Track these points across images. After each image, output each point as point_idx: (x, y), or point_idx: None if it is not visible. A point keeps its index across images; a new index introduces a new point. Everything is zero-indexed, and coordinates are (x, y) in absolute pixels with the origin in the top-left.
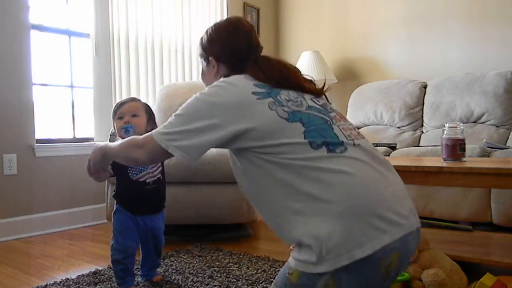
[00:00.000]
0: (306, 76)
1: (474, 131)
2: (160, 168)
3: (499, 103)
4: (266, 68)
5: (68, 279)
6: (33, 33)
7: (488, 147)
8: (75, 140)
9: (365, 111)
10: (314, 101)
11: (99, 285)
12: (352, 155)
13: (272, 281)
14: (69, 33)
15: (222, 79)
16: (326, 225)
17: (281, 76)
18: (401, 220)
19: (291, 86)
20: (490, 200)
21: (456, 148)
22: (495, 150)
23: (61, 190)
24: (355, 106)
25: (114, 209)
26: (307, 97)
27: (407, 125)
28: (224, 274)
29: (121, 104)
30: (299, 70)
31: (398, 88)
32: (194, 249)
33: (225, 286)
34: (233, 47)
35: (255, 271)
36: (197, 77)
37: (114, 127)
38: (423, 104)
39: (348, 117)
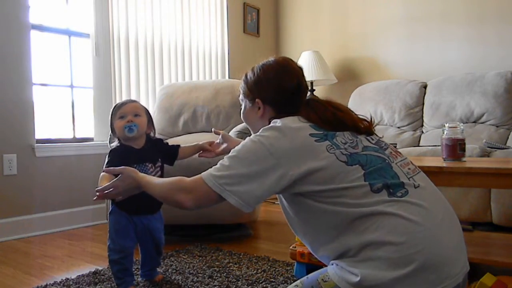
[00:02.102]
0: (360, 116)
1: (474, 131)
2: (159, 173)
3: (499, 103)
4: (319, 110)
5: (68, 279)
6: (33, 33)
7: (488, 147)
8: (75, 140)
9: (365, 111)
10: (368, 140)
11: (99, 285)
12: (412, 200)
13: (272, 281)
14: (69, 33)
15: (278, 121)
16: (378, 271)
17: (336, 119)
18: (454, 274)
19: (347, 129)
20: (490, 200)
21: (456, 148)
22: (495, 150)
23: (61, 190)
24: (355, 106)
25: (110, 209)
26: (362, 137)
27: (407, 125)
28: (224, 274)
29: (121, 104)
30: (351, 110)
31: (398, 88)
32: (194, 249)
33: (225, 286)
34: (282, 90)
35: (255, 271)
36: (197, 77)
37: (112, 128)
38: (423, 104)
39: None
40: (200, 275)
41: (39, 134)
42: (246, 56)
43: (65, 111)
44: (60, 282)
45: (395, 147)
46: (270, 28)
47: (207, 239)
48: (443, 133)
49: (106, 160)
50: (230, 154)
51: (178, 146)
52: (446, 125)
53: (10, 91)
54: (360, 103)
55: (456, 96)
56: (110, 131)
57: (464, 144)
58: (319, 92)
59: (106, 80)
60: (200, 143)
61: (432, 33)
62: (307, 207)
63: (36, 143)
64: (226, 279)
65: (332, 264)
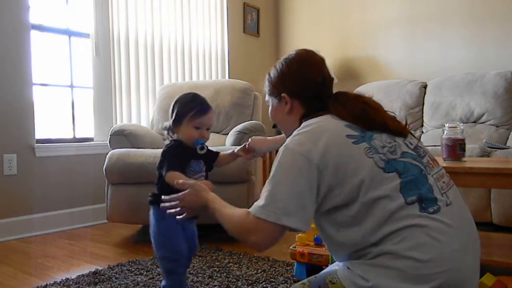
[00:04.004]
0: (390, 113)
1: (474, 131)
2: (206, 173)
3: (499, 103)
4: (347, 105)
5: (68, 279)
6: (33, 33)
7: (488, 147)
8: (75, 140)
9: None
10: (407, 145)
11: (99, 285)
12: (443, 219)
13: (272, 281)
14: (69, 33)
15: (310, 122)
16: (391, 281)
17: (365, 116)
18: None
19: (376, 126)
20: (490, 200)
21: (456, 148)
22: (495, 150)
23: (61, 190)
24: None
25: (157, 215)
26: (400, 140)
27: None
28: (224, 274)
29: (203, 112)
30: (381, 105)
31: (398, 88)
32: None
33: (225, 286)
34: (307, 81)
35: (255, 271)
36: (197, 77)
37: (177, 120)
38: (423, 104)
39: None
40: (200, 275)
41: (39, 134)
42: (246, 56)
43: (65, 111)
44: (60, 282)
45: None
46: (270, 28)
47: (207, 239)
48: (443, 133)
49: (167, 157)
50: (270, 176)
51: (218, 152)
52: (446, 125)
53: (10, 91)
54: None
55: (456, 96)
56: (171, 121)
57: (464, 144)
58: None
59: (106, 80)
60: (236, 150)
61: (432, 33)
62: (335, 221)
63: (36, 143)
64: (226, 279)
65: (344, 266)
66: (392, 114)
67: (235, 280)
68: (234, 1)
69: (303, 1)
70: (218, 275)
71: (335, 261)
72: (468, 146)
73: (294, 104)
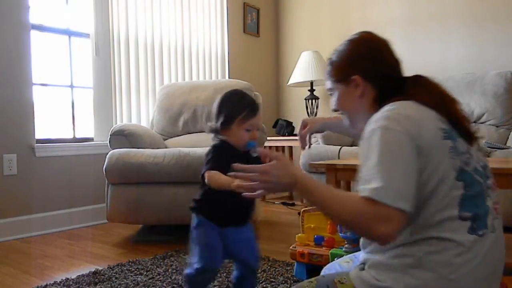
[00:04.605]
0: (463, 112)
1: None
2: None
3: (499, 103)
4: (431, 92)
5: (68, 279)
6: (33, 33)
7: (488, 147)
8: (75, 140)
9: None
10: (478, 161)
11: (99, 285)
12: (485, 244)
13: (272, 281)
14: (69, 33)
15: (393, 106)
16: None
17: (444, 107)
18: None
19: (448, 118)
20: None
21: None
22: (495, 150)
23: (61, 190)
24: None
25: (196, 222)
26: (473, 151)
27: None
28: (224, 274)
29: (255, 111)
30: (458, 100)
31: None
32: None
33: (225, 286)
34: (381, 60)
35: None
36: (197, 77)
37: (226, 121)
38: None
39: None
40: None
41: (39, 134)
42: (246, 56)
43: (65, 111)
44: (60, 282)
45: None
46: (270, 28)
47: None
48: None
49: (209, 156)
50: (374, 157)
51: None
52: None
53: (10, 91)
54: None
55: (456, 96)
56: (220, 123)
57: None
58: (319, 92)
59: (106, 80)
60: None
61: (432, 33)
62: None
63: (36, 143)
64: (226, 279)
65: (357, 268)
66: (466, 113)
67: None
68: (234, 1)
69: (303, 1)
70: (218, 275)
71: (334, 260)
72: None
73: (367, 88)
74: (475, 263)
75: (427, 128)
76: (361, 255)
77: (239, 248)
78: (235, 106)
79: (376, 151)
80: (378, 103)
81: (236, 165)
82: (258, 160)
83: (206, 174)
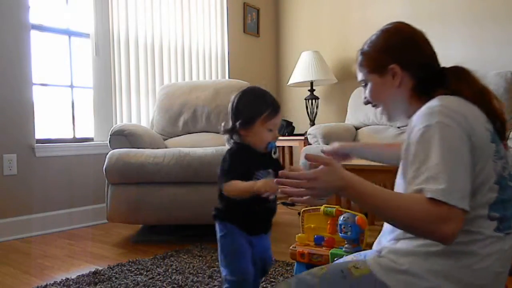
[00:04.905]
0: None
1: None
2: None
3: None
4: (473, 87)
5: (68, 279)
6: (33, 33)
7: None
8: (75, 140)
9: (365, 111)
10: (510, 165)
11: (99, 285)
12: (507, 244)
13: (272, 281)
14: (69, 33)
15: (451, 100)
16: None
17: (484, 102)
18: None
19: (488, 115)
20: None
21: None
22: None
23: (61, 190)
24: (355, 106)
25: (224, 231)
26: (508, 157)
27: (407, 125)
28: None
29: (277, 110)
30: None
31: None
32: (194, 249)
33: None
34: (419, 49)
35: None
36: (197, 77)
37: (246, 122)
38: None
39: (348, 117)
40: (200, 275)
41: (39, 134)
42: (246, 56)
43: (65, 111)
44: (60, 282)
45: None
46: (270, 28)
47: (207, 239)
48: None
49: (226, 165)
50: (432, 153)
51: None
52: None
53: (10, 91)
54: (360, 103)
55: None
56: (240, 122)
57: None
58: (319, 92)
59: (106, 80)
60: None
61: (432, 33)
62: None
63: (36, 143)
64: None
65: (376, 253)
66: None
67: None
68: (234, 1)
69: (303, 1)
70: (218, 275)
71: (335, 260)
72: None
73: (404, 79)
74: (496, 258)
75: (478, 128)
76: (379, 245)
77: (261, 255)
78: (258, 104)
79: (437, 149)
80: (417, 94)
81: (282, 172)
82: (277, 161)
83: (225, 188)
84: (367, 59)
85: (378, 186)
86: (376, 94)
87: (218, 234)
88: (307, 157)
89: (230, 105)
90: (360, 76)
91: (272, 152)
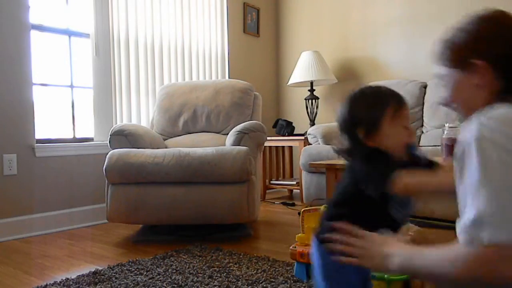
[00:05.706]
0: None
1: None
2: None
3: None
4: None
5: (68, 279)
6: (33, 33)
7: None
8: (75, 140)
9: None
10: None
11: (99, 285)
12: None
13: (272, 281)
14: (69, 33)
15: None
16: None
17: None
18: None
19: None
20: None
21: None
22: None
23: (61, 190)
24: None
25: (334, 267)
26: None
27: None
28: (224, 274)
29: (401, 100)
30: None
31: (398, 88)
32: (194, 249)
33: (225, 286)
34: None
35: (255, 271)
36: (197, 77)
37: (371, 127)
38: (423, 104)
39: None
40: (200, 275)
41: (39, 134)
42: (246, 56)
43: (65, 111)
44: (60, 282)
45: None
46: (270, 28)
47: (207, 239)
48: (443, 133)
49: (377, 163)
50: (482, 179)
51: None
52: (446, 125)
53: (10, 91)
54: None
55: None
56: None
57: None
58: (319, 92)
59: (106, 80)
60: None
61: (432, 33)
62: None
63: (36, 143)
64: (226, 279)
65: None
66: None
67: (235, 280)
68: (234, 1)
69: (303, 1)
70: (218, 275)
71: None
72: None
73: (488, 77)
74: None
75: None
76: None
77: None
78: (376, 101)
79: (482, 173)
80: (499, 99)
81: (339, 226)
82: (431, 165)
83: (397, 182)
84: (451, 52)
85: (418, 248)
86: (455, 93)
87: (318, 254)
88: (338, 228)
89: (339, 123)
90: (440, 70)
91: (415, 152)
